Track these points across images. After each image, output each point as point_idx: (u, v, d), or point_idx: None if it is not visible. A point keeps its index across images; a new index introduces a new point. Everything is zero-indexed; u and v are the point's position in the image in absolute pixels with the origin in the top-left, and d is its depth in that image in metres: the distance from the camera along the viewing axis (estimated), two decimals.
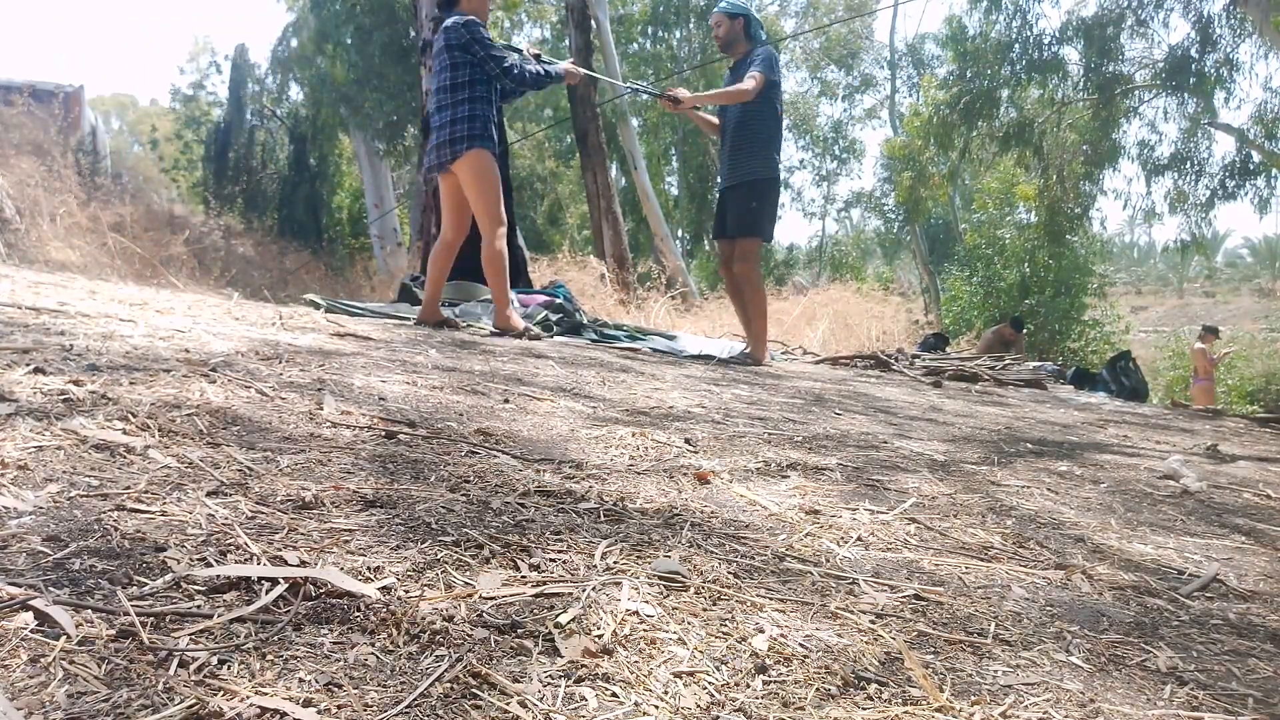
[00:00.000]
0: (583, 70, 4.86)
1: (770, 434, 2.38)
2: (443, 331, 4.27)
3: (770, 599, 1.11)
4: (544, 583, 1.05)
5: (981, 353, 9.84)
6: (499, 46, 4.41)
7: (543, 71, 4.48)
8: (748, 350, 5.04)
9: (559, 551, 1.17)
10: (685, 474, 1.74)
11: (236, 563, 0.99)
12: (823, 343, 10.73)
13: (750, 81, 4.58)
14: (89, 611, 0.83)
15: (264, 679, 0.76)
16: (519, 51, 4.66)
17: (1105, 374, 9.73)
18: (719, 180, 5.13)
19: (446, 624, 0.91)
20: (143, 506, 1.12)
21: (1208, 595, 1.38)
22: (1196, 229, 15.08)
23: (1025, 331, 12.86)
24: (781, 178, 4.93)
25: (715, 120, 4.97)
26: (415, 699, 0.76)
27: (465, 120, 4.31)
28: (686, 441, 2.07)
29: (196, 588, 0.92)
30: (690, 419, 2.48)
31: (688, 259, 22.44)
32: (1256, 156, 14.16)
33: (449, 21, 4.34)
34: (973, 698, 0.91)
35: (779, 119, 4.79)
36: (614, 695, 0.82)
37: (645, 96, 5.33)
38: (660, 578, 1.12)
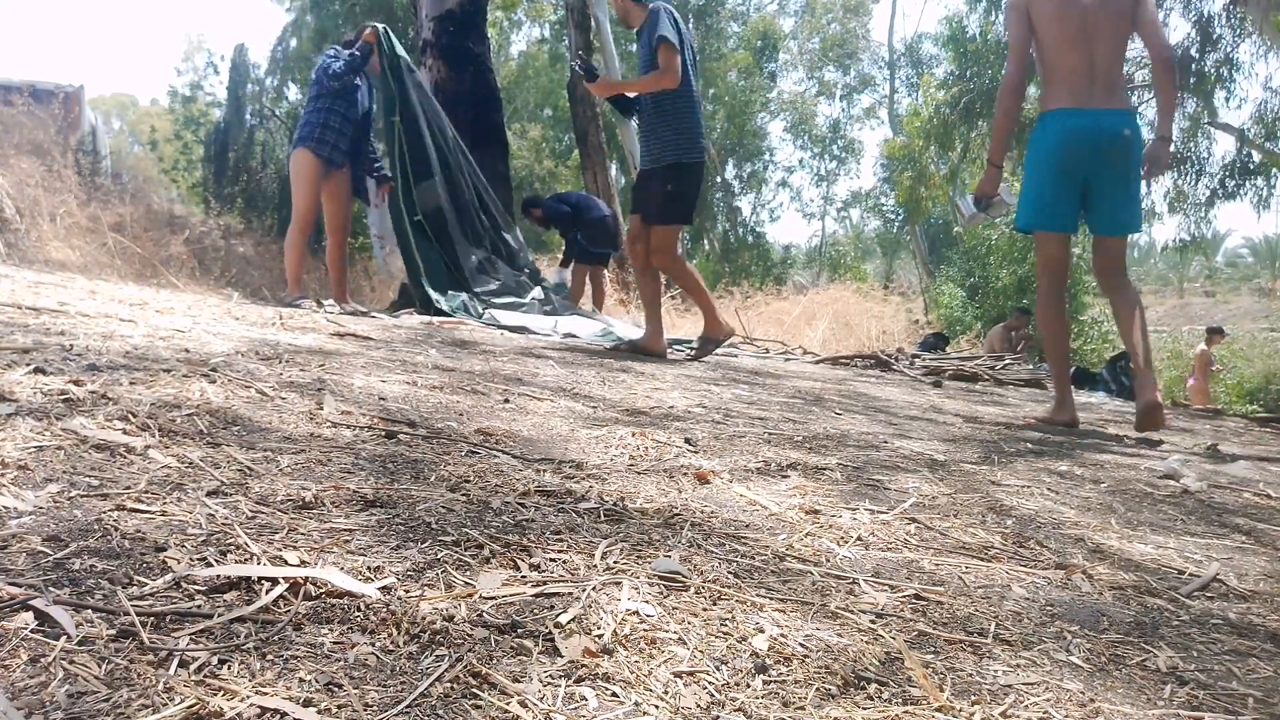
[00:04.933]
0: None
1: (770, 434, 2.38)
2: (441, 332, 4.27)
3: (770, 599, 1.11)
4: (544, 583, 1.05)
5: (989, 350, 9.82)
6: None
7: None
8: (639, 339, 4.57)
9: (559, 551, 1.17)
10: (685, 474, 1.74)
11: (236, 563, 0.99)
12: (823, 343, 10.74)
13: (664, 64, 4.06)
14: (89, 611, 0.83)
15: (264, 679, 0.76)
16: None
17: (1105, 374, 9.74)
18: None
19: (446, 624, 0.91)
20: (143, 506, 1.12)
21: (1208, 595, 1.38)
22: (1196, 229, 15.08)
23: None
24: (702, 161, 4.34)
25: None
26: (415, 699, 0.76)
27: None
28: (686, 441, 2.07)
29: (196, 588, 0.92)
30: (690, 419, 2.48)
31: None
32: (1257, 156, 14.16)
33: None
34: (973, 698, 0.91)
35: (690, 89, 4.21)
36: (614, 695, 0.82)
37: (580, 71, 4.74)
38: (660, 577, 1.12)
